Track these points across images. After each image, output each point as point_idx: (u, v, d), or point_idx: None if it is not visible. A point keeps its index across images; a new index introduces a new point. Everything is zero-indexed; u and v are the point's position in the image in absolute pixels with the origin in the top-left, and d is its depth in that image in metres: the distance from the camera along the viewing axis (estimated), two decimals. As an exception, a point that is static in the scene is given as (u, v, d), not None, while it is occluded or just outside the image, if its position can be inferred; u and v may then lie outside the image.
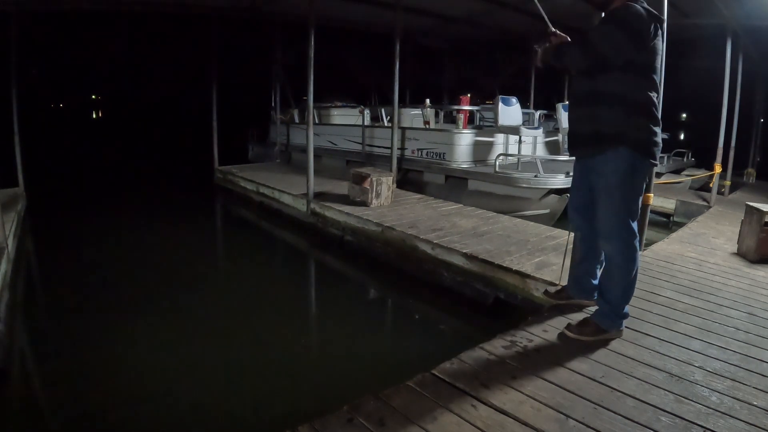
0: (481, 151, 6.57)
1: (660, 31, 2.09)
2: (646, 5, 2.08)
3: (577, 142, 2.30)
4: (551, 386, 1.90)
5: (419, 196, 6.13)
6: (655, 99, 2.12)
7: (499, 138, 6.67)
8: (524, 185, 5.52)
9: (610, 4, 2.17)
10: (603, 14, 2.28)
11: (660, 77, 2.20)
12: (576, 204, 2.44)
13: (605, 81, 2.12)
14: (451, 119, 8.10)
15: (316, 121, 8.42)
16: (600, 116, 2.14)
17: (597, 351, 2.19)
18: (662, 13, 2.86)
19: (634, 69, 2.07)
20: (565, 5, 6.41)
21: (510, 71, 11.24)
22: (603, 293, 2.31)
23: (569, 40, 2.27)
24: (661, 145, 2.17)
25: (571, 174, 5.53)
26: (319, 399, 2.51)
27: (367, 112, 7.88)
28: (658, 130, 2.13)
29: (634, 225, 2.20)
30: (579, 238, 2.64)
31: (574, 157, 2.46)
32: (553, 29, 2.34)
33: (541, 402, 1.79)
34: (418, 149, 6.91)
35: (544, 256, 3.66)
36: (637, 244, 2.23)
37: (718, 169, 6.01)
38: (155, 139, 20.35)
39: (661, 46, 2.13)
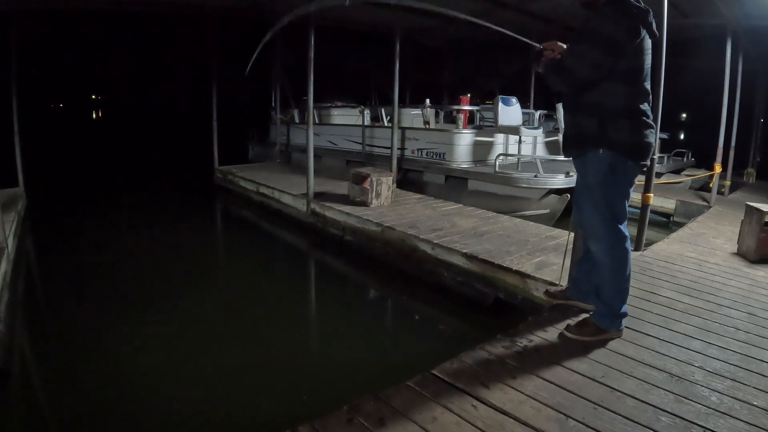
0: (481, 151, 6.57)
1: (645, 29, 2.03)
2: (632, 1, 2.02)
3: (565, 144, 2.34)
4: (551, 386, 1.90)
5: (419, 196, 6.13)
6: (639, 101, 2.09)
7: (499, 138, 6.67)
8: (524, 185, 5.52)
9: (597, 3, 2.10)
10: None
11: (650, 74, 2.15)
12: (577, 201, 2.43)
13: (584, 89, 2.12)
14: (451, 119, 8.10)
15: (316, 121, 8.42)
16: (580, 123, 2.18)
17: (597, 351, 2.19)
18: (662, 13, 2.85)
19: (614, 78, 2.04)
20: (565, 5, 6.42)
21: (510, 71, 11.23)
22: (598, 294, 2.32)
23: (563, 47, 2.18)
24: (650, 146, 2.14)
25: (572, 174, 5.56)
26: (319, 399, 2.50)
27: (367, 112, 7.88)
28: (646, 131, 2.10)
29: (623, 227, 2.20)
30: (580, 237, 2.64)
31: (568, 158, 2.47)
32: (540, 46, 2.23)
33: (541, 402, 1.79)
34: (418, 149, 6.91)
35: (544, 256, 3.66)
36: (628, 245, 2.22)
37: (718, 169, 6.02)
38: (155, 139, 20.34)
39: (648, 43, 2.08)
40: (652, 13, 2.08)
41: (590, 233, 2.26)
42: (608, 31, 1.97)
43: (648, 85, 2.14)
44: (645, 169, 2.32)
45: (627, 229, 2.23)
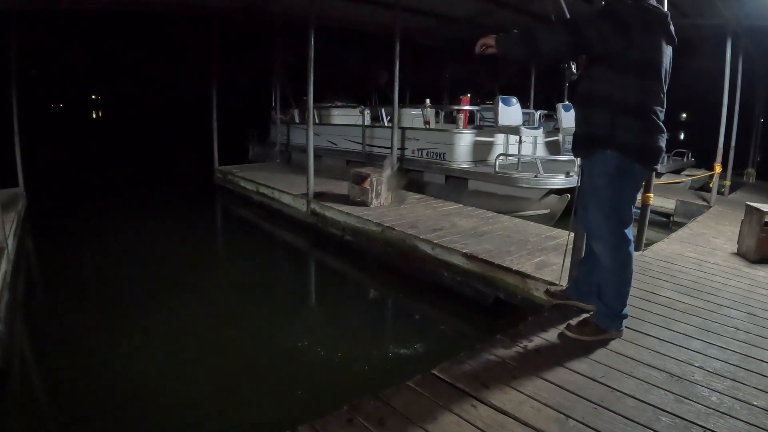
0: (481, 151, 6.57)
1: (660, 28, 2.03)
2: (651, 2, 2.03)
3: (574, 144, 2.32)
4: (551, 386, 1.90)
5: (419, 196, 6.13)
6: (650, 101, 2.05)
7: (499, 138, 6.67)
8: (524, 185, 5.52)
9: None
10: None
11: (665, 81, 2.11)
12: (582, 202, 2.42)
13: (596, 82, 2.11)
14: (451, 119, 8.10)
15: (316, 121, 8.42)
16: (590, 118, 2.15)
17: (597, 351, 2.19)
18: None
19: (624, 67, 2.01)
20: (565, 5, 6.41)
21: (510, 71, 11.23)
22: (599, 294, 2.31)
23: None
24: (660, 149, 2.10)
25: (572, 174, 5.56)
26: (319, 399, 2.51)
27: (367, 112, 7.89)
28: (655, 133, 2.07)
29: (627, 231, 2.18)
30: (581, 237, 2.64)
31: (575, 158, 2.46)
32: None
33: (541, 402, 1.79)
34: (418, 149, 6.91)
35: (544, 256, 3.66)
36: (631, 249, 2.20)
37: (718, 169, 6.02)
38: (155, 139, 20.34)
39: (662, 43, 2.05)
40: (669, 17, 2.07)
41: (594, 234, 2.25)
42: (622, 12, 1.98)
43: (663, 88, 2.09)
44: (660, 169, 2.28)
45: (631, 233, 2.22)
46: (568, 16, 2.52)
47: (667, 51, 2.10)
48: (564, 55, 2.11)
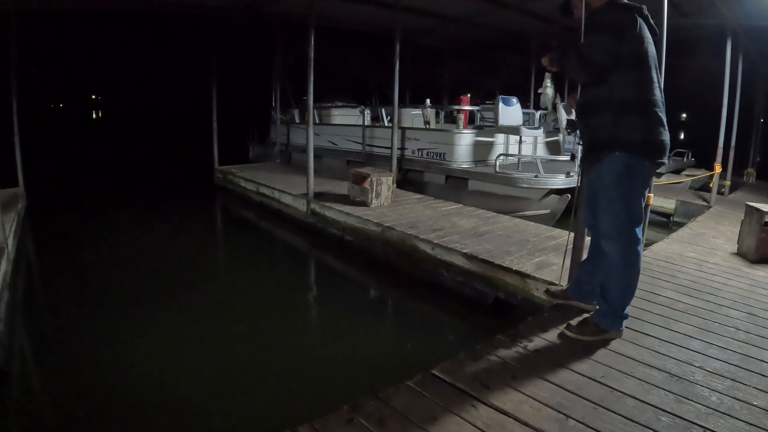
0: (481, 151, 6.57)
1: (642, 20, 2.09)
2: (625, 1, 2.13)
3: (582, 156, 2.35)
4: (551, 386, 1.90)
5: (419, 196, 6.13)
6: (649, 93, 2.08)
7: (500, 138, 6.67)
8: (524, 185, 5.51)
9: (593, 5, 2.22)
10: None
11: (657, 70, 2.16)
12: (588, 204, 2.42)
13: (593, 87, 2.16)
14: (451, 119, 8.10)
15: (316, 121, 8.41)
16: (593, 124, 2.19)
17: (597, 351, 2.19)
18: (662, 13, 2.85)
19: (618, 63, 2.05)
20: (565, 5, 6.41)
21: (510, 71, 11.23)
22: (603, 293, 2.31)
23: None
24: (664, 143, 2.12)
25: (572, 174, 5.56)
26: (319, 399, 2.50)
27: (367, 112, 7.89)
28: (657, 128, 2.09)
29: (638, 230, 2.18)
30: (581, 237, 2.65)
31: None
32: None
33: (541, 402, 1.79)
34: (418, 149, 6.91)
35: (544, 256, 3.66)
36: (640, 249, 2.20)
37: (718, 169, 6.02)
38: (155, 139, 20.34)
39: (648, 33, 2.10)
40: (645, 8, 2.13)
41: (604, 234, 2.24)
42: (609, 19, 2.07)
43: (656, 75, 2.13)
44: (660, 168, 2.31)
45: (641, 232, 2.22)
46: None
47: (650, 36, 2.14)
48: (584, 80, 2.23)
